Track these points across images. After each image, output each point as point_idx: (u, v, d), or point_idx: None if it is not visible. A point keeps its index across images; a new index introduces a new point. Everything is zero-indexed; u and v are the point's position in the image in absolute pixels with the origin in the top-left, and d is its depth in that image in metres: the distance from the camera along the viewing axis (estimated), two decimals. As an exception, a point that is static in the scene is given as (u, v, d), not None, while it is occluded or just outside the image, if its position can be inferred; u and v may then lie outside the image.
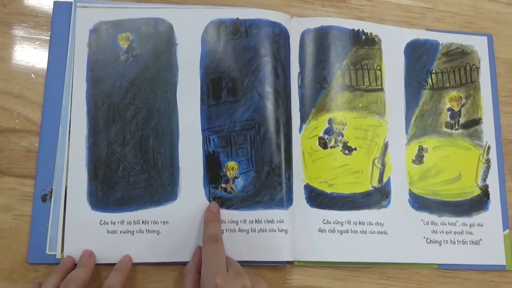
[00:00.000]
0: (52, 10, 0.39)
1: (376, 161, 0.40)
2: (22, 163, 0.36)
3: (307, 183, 0.39)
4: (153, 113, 0.38)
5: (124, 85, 0.38)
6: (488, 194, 0.41)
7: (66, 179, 0.36)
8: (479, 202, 0.41)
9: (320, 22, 0.41)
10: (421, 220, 0.40)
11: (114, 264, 0.35)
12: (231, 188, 0.37)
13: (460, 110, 0.43)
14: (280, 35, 0.40)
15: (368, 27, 0.42)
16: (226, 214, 0.36)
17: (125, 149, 0.37)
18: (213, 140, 0.38)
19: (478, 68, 0.43)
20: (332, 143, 0.40)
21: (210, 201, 0.37)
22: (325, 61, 0.41)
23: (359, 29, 0.42)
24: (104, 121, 0.37)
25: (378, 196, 0.39)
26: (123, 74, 0.38)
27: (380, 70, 0.42)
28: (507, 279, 0.40)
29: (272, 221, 0.36)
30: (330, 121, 0.40)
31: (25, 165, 0.36)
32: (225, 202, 0.37)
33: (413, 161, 0.41)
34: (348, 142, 0.40)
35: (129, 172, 0.36)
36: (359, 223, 0.39)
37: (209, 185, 0.37)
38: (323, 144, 0.40)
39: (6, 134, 0.37)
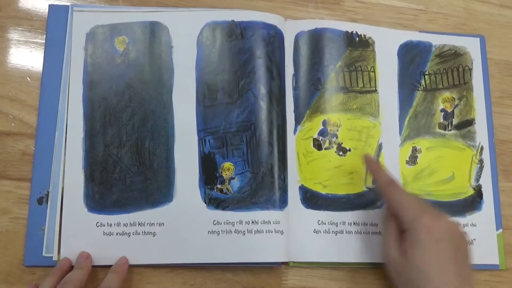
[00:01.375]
0: (47, 13, 0.40)
1: (370, 162, 0.42)
2: (18, 166, 0.37)
3: (302, 184, 0.40)
4: (149, 115, 0.39)
5: (120, 88, 0.39)
6: (481, 194, 0.43)
7: (63, 181, 0.37)
8: (473, 202, 0.42)
9: (314, 24, 0.43)
10: (415, 220, 0.41)
11: (110, 266, 0.36)
12: (227, 189, 0.38)
13: (453, 111, 0.44)
14: (275, 37, 0.41)
15: (361, 29, 0.44)
16: (222, 215, 0.38)
17: (121, 151, 0.38)
18: (209, 141, 0.39)
19: (471, 69, 0.45)
20: (327, 144, 0.41)
21: (206, 202, 0.38)
22: (319, 63, 0.42)
23: (352, 31, 0.43)
24: (100, 124, 0.38)
25: (372, 197, 0.41)
26: (119, 77, 0.39)
27: (374, 71, 0.43)
28: (501, 278, 0.42)
29: (268, 222, 0.38)
30: (324, 123, 0.41)
31: (21, 168, 0.37)
32: (221, 203, 0.38)
33: (407, 162, 0.43)
34: (342, 143, 0.41)
35: (125, 174, 0.38)
36: (354, 223, 0.40)
37: (204, 186, 0.38)
38: (318, 146, 0.41)
39: (2, 138, 0.38)
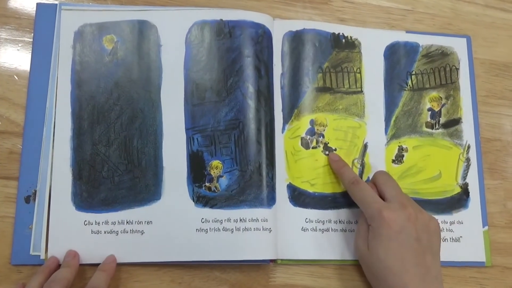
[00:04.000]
0: (35, 12, 0.41)
1: (355, 161, 0.44)
2: (5, 165, 0.39)
3: (290, 183, 0.42)
4: (137, 114, 0.40)
5: (108, 86, 0.40)
6: (468, 192, 0.45)
7: (50, 180, 0.38)
8: (459, 200, 0.44)
9: (302, 25, 0.45)
10: (402, 218, 0.43)
11: (98, 264, 0.37)
12: (215, 187, 0.40)
13: (440, 110, 0.46)
14: (263, 36, 0.43)
15: (348, 30, 0.46)
16: (210, 213, 0.39)
17: (109, 150, 0.40)
18: (197, 139, 0.41)
19: (458, 69, 0.47)
20: (314, 143, 0.43)
21: (194, 200, 0.39)
22: (306, 63, 0.44)
23: (339, 33, 0.45)
24: (88, 122, 0.40)
25: (357, 195, 0.43)
26: (107, 75, 0.40)
27: (360, 73, 0.45)
28: (487, 275, 0.44)
29: (256, 220, 0.39)
30: (312, 122, 0.43)
31: (8, 167, 0.39)
32: (209, 201, 0.39)
33: (393, 161, 0.44)
34: (328, 143, 0.43)
35: (114, 173, 0.39)
36: (339, 221, 0.42)
37: (193, 184, 0.40)
38: (306, 145, 0.43)
39: (-11, 136, 0.39)
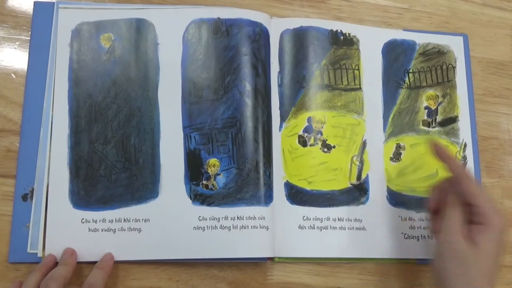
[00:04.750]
0: (32, 10, 0.41)
1: (354, 158, 0.44)
2: (2, 163, 0.39)
3: (287, 181, 0.42)
4: (134, 112, 0.41)
5: (106, 85, 0.40)
6: (466, 191, 0.45)
7: (48, 178, 0.38)
8: (457, 198, 0.45)
9: (299, 23, 0.45)
10: (399, 216, 0.43)
11: (96, 262, 0.37)
12: (213, 185, 0.40)
13: (437, 109, 0.46)
14: (260, 35, 0.43)
15: (346, 27, 0.46)
16: (207, 211, 0.39)
17: (106, 148, 0.40)
18: (194, 137, 0.41)
19: (454, 68, 0.47)
20: (312, 141, 0.43)
21: (191, 198, 0.40)
22: (304, 60, 0.44)
23: (337, 30, 0.46)
24: (86, 120, 0.40)
25: (357, 193, 0.43)
26: (105, 73, 0.41)
27: (358, 69, 0.45)
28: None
29: (254, 218, 0.39)
30: (309, 120, 0.44)
31: (5, 165, 0.39)
32: (206, 199, 0.40)
33: (391, 159, 0.45)
34: (327, 140, 0.44)
35: (111, 171, 0.39)
36: (338, 219, 0.42)
37: (190, 182, 0.40)
38: (303, 142, 0.43)
39: (-14, 134, 0.39)
